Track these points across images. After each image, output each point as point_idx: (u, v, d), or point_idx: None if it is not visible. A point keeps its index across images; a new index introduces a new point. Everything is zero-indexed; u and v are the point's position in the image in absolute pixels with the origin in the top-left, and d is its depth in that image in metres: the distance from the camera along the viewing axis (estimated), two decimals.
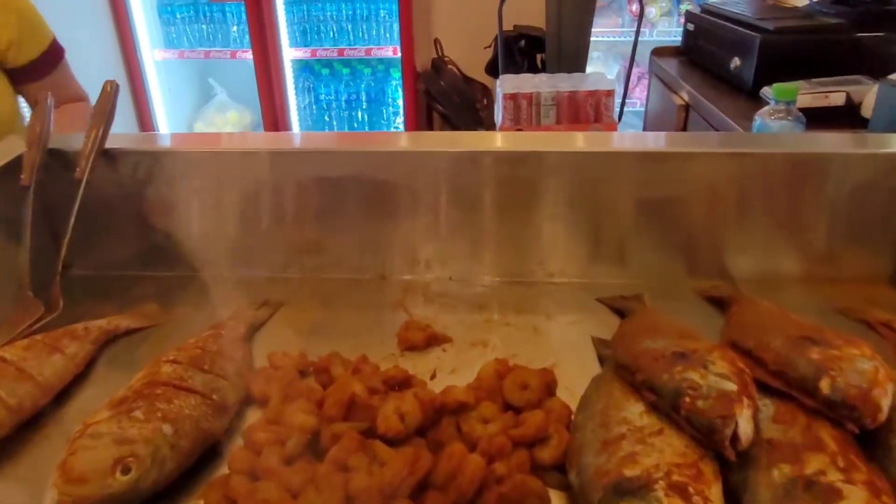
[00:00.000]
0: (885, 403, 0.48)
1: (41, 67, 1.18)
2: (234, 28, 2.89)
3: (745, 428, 0.47)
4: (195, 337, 0.65)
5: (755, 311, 0.66)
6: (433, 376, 0.64)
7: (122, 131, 0.81)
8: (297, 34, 2.86)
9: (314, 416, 0.53)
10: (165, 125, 2.98)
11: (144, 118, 2.90)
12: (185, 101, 3.11)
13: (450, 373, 0.65)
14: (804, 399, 0.50)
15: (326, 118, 3.03)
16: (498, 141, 0.82)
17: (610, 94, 1.85)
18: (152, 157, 0.80)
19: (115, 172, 0.81)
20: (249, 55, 2.77)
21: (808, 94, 1.06)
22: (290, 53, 2.86)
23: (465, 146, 0.79)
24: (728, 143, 0.84)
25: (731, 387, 0.49)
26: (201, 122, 3.02)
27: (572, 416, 0.56)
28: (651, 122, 1.86)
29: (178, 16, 2.92)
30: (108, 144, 0.79)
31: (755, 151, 0.78)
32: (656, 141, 0.89)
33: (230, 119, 3.00)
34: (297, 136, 0.84)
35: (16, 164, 0.77)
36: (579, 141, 0.83)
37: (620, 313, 0.74)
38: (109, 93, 0.79)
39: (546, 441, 0.51)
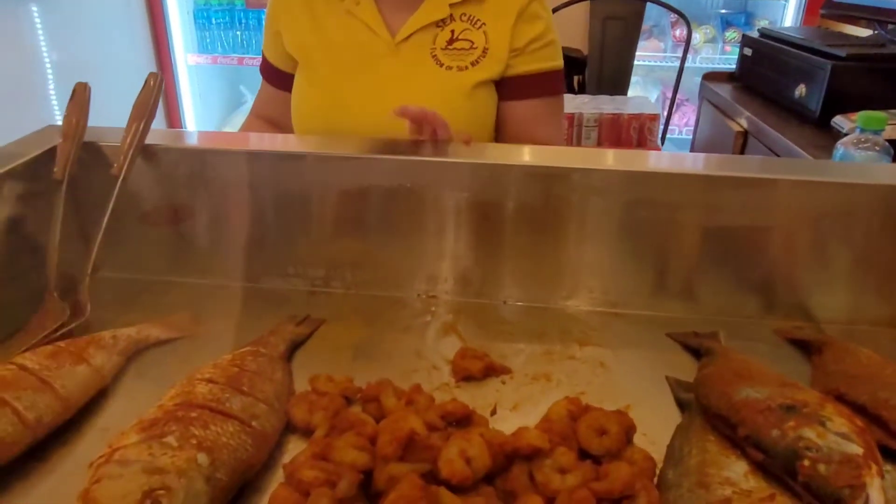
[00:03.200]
0: None
1: None
2: None
3: (877, 499, 0.40)
4: (231, 353, 0.59)
5: (856, 359, 0.59)
6: (493, 412, 0.57)
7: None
8: None
9: (367, 454, 0.47)
10: (194, 128, 2.96)
11: (173, 121, 2.89)
12: (215, 106, 3.10)
13: (511, 409, 0.58)
14: None
15: None
16: (568, 156, 0.76)
17: (655, 118, 1.79)
18: (194, 156, 0.75)
19: (153, 170, 0.76)
20: None
21: (892, 125, 0.99)
22: None
23: (533, 160, 0.73)
24: (810, 170, 0.77)
25: (857, 450, 0.42)
26: (229, 129, 3.00)
27: (656, 469, 0.49)
28: (701, 149, 1.79)
29: (214, 21, 2.92)
30: (148, 141, 0.74)
31: (842, 181, 0.72)
32: (728, 165, 0.83)
33: None
34: (345, 141, 0.79)
35: (48, 156, 0.73)
36: (639, 160, 0.77)
37: (693, 351, 0.67)
38: (153, 87, 0.75)
39: (633, 499, 0.45)
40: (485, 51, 0.94)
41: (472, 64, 0.94)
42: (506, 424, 0.53)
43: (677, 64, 2.20)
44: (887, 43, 1.28)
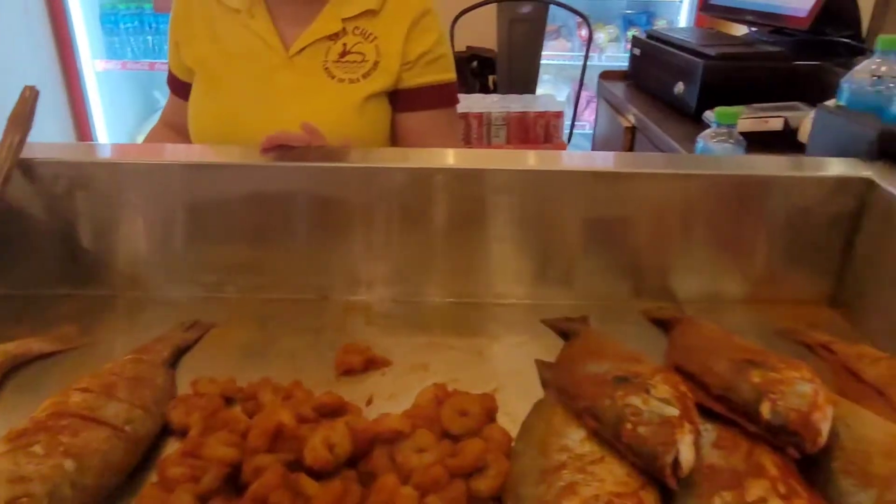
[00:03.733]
0: (825, 427, 0.47)
1: None
2: None
3: (687, 455, 0.45)
4: (113, 362, 0.60)
5: (698, 332, 0.65)
6: (369, 402, 0.61)
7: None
8: None
9: (236, 448, 0.50)
10: (106, 138, 2.87)
11: (83, 130, 2.79)
12: (128, 114, 3.01)
13: (387, 398, 0.61)
14: (746, 424, 0.49)
15: None
16: (445, 158, 0.80)
17: (559, 115, 1.87)
18: (75, 168, 0.75)
19: (33, 184, 0.75)
20: None
21: (749, 118, 1.09)
22: None
23: (411, 162, 0.77)
24: (672, 164, 0.84)
25: (674, 412, 0.47)
26: (143, 137, 2.92)
27: (512, 444, 0.53)
28: (599, 144, 1.88)
29: (122, 25, 2.84)
30: (27, 154, 0.74)
31: (698, 173, 0.79)
32: (603, 160, 0.89)
33: None
34: (237, 149, 0.81)
35: None
36: (526, 159, 0.82)
37: (565, 335, 0.72)
38: (27, 98, 0.74)
39: (484, 471, 0.49)
40: (376, 63, 0.97)
41: (364, 76, 0.97)
42: (380, 413, 0.56)
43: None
44: (757, 42, 1.39)
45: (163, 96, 3.08)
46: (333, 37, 0.97)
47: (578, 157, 0.84)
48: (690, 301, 0.80)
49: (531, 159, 0.81)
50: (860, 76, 0.86)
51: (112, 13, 2.83)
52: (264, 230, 0.78)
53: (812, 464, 0.48)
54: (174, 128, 1.10)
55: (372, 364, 0.65)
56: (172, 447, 0.55)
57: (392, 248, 0.78)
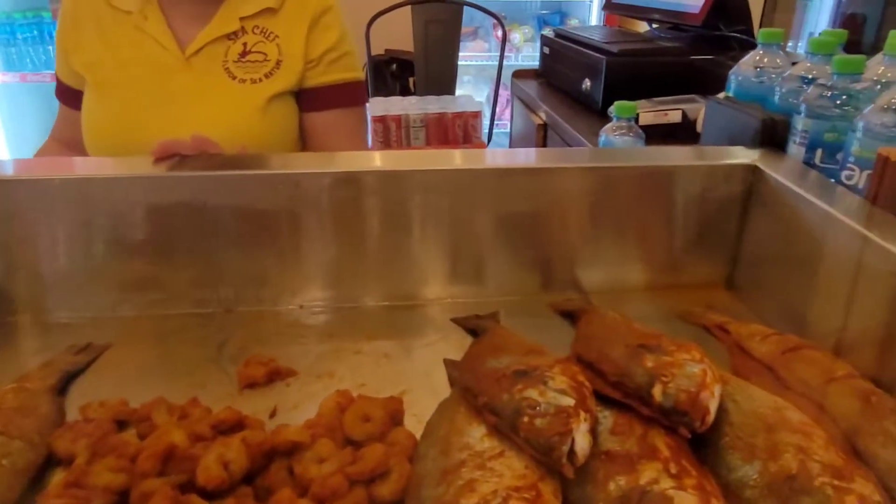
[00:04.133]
0: (713, 406, 0.49)
1: None
2: None
3: (582, 443, 0.46)
4: None
5: (601, 322, 0.67)
6: (273, 415, 0.59)
7: None
8: None
9: (124, 474, 0.47)
10: (7, 154, 2.71)
11: None
12: (30, 127, 2.84)
13: (292, 409, 0.60)
14: (640, 408, 0.51)
15: None
16: (337, 161, 0.79)
17: (477, 115, 1.88)
18: None
19: None
20: None
21: (650, 112, 1.12)
22: None
23: (300, 168, 0.75)
24: (572, 158, 0.86)
25: (569, 402, 0.48)
26: None
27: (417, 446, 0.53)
28: (515, 142, 1.91)
29: (20, 36, 2.69)
30: None
31: (598, 165, 0.81)
32: (507, 158, 0.90)
33: None
34: (132, 161, 0.77)
35: None
36: (431, 159, 0.82)
37: (475, 333, 0.72)
38: None
39: (386, 476, 0.48)
40: (278, 63, 0.95)
41: (266, 76, 0.95)
42: (285, 425, 0.55)
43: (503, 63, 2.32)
44: (656, 39, 1.44)
45: None
46: (232, 36, 0.94)
47: (482, 155, 0.84)
48: (598, 291, 0.82)
49: (437, 159, 0.81)
50: (745, 68, 0.90)
51: (7, 23, 2.67)
52: (163, 244, 0.75)
53: (704, 442, 0.50)
54: (66, 143, 1.04)
55: (276, 375, 0.64)
56: (60, 477, 0.52)
57: (299, 256, 0.77)
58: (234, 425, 0.54)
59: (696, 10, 1.31)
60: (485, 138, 2.01)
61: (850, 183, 0.70)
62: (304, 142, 1.03)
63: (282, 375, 0.64)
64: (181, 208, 0.73)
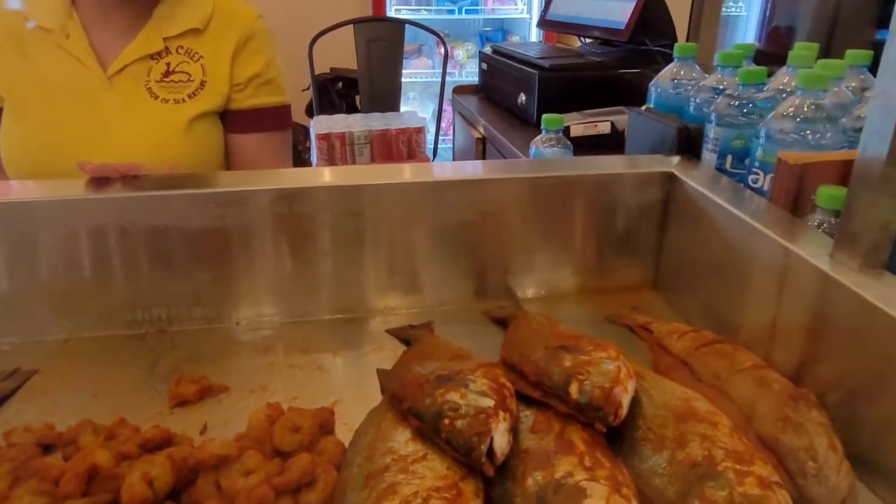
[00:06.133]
0: (626, 400, 0.52)
1: None
2: None
3: (500, 442, 0.48)
4: None
5: (528, 326, 0.69)
6: (203, 431, 0.59)
7: None
8: None
9: (47, 497, 0.47)
10: None
11: None
12: None
13: (223, 425, 0.60)
14: (558, 405, 0.53)
15: None
16: (273, 178, 0.79)
17: (420, 130, 1.91)
18: None
19: None
20: None
21: (580, 123, 1.17)
22: None
23: (235, 185, 0.76)
24: (503, 169, 0.89)
25: (489, 403, 0.50)
26: None
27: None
28: (458, 156, 1.95)
29: None
30: None
31: (527, 176, 0.83)
32: (440, 171, 0.92)
33: None
34: (54, 184, 0.76)
35: None
36: (367, 174, 0.84)
37: (408, 343, 0.74)
38: None
39: (312, 485, 0.49)
40: (203, 83, 0.95)
41: (190, 96, 0.95)
42: (215, 441, 0.55)
43: (446, 79, 2.36)
44: (587, 54, 1.50)
45: None
46: (155, 56, 0.94)
47: (415, 168, 0.86)
48: (530, 298, 0.85)
49: (372, 174, 0.83)
50: (663, 80, 0.95)
51: None
52: (93, 267, 0.74)
53: (621, 435, 0.52)
54: None
55: (208, 392, 0.64)
56: None
57: (233, 273, 0.77)
58: (162, 443, 0.54)
59: (622, 27, 1.37)
60: (430, 153, 2.04)
61: (756, 186, 0.74)
62: (227, 162, 1.03)
63: (213, 392, 0.64)
64: (111, 229, 0.73)
